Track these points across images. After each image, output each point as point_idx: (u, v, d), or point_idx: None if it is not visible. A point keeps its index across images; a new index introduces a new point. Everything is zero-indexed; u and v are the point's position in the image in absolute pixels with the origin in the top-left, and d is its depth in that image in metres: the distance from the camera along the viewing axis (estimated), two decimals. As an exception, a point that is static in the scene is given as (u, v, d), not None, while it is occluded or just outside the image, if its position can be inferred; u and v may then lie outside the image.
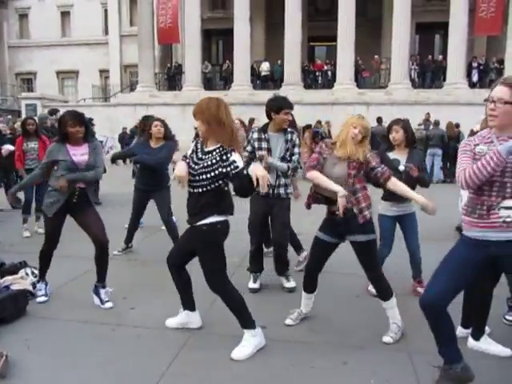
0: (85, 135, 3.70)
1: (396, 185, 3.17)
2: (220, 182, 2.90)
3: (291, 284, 4.17)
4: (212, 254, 2.98)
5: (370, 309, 3.71)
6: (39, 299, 3.84)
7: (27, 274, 4.25)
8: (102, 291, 3.80)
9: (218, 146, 2.89)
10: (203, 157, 2.94)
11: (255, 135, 4.00)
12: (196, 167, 2.93)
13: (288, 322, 3.42)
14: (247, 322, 3.04)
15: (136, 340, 3.17)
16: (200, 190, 2.91)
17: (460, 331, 3.21)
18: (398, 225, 4.03)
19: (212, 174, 2.86)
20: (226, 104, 2.94)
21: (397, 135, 3.87)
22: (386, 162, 3.91)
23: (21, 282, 3.99)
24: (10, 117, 16.43)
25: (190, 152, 3.05)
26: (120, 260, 5.07)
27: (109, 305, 3.72)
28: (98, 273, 3.86)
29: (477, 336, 3.07)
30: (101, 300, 3.75)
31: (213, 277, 3.00)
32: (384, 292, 3.22)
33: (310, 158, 3.26)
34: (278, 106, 3.88)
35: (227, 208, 3.00)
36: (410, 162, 3.82)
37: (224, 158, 2.84)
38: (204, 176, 2.88)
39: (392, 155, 3.92)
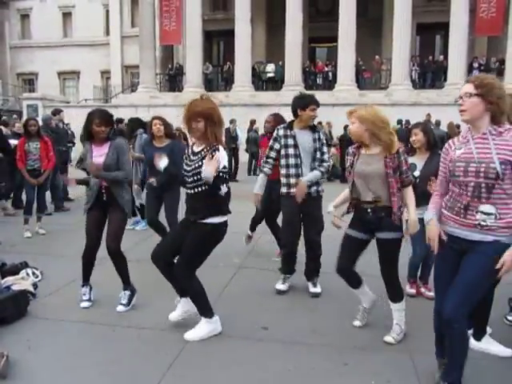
0: (108, 134, 3.70)
1: (407, 193, 3.17)
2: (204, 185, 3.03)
3: (317, 289, 4.06)
4: (204, 249, 3.13)
5: (372, 310, 3.71)
6: (82, 304, 3.75)
7: (28, 275, 4.28)
8: (121, 293, 3.78)
9: (204, 146, 3.06)
10: (192, 158, 3.11)
11: (281, 132, 3.96)
12: (189, 169, 3.07)
13: (356, 323, 3.40)
14: (205, 310, 3.21)
15: (137, 340, 3.17)
16: (197, 189, 3.04)
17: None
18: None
19: (200, 175, 2.99)
20: None
21: (416, 138, 3.84)
22: None
23: (22, 282, 4.00)
24: (15, 116, 16.43)
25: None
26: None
27: (119, 308, 3.69)
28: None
29: (478, 336, 3.07)
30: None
31: (189, 265, 3.13)
32: (395, 294, 3.22)
33: None
34: (304, 102, 3.91)
35: (226, 208, 3.14)
36: (427, 168, 3.78)
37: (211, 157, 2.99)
38: (196, 177, 3.03)
39: (411, 159, 3.90)
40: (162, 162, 3.27)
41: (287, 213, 4.03)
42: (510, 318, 3.46)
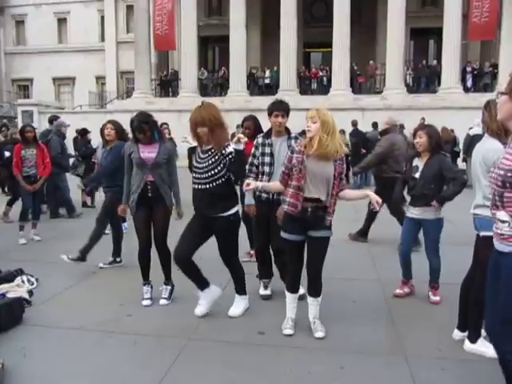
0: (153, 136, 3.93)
1: (345, 195, 3.29)
2: (225, 175, 3.40)
3: (300, 291, 4.13)
4: (234, 238, 3.56)
5: (367, 314, 3.73)
6: (144, 302, 3.90)
7: (23, 282, 4.26)
8: (163, 288, 4.00)
9: (211, 145, 3.39)
10: (202, 156, 3.44)
11: (260, 140, 4.00)
12: (200, 166, 3.42)
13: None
14: (243, 289, 3.74)
15: (133, 347, 3.16)
16: (211, 184, 3.38)
17: (456, 334, 3.23)
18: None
19: (215, 170, 3.36)
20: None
21: (420, 140, 3.89)
22: (407, 170, 4.02)
23: (17, 289, 3.98)
24: (4, 120, 16.37)
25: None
26: (117, 267, 5.06)
27: (162, 302, 3.93)
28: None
29: (473, 339, 3.09)
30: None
31: (233, 255, 3.64)
32: (319, 288, 3.33)
33: None
34: (269, 109, 3.93)
35: (237, 198, 3.61)
36: (427, 170, 3.87)
37: (223, 152, 3.37)
38: (210, 173, 3.37)
39: (415, 162, 3.99)
40: None
41: (257, 217, 4.10)
42: None
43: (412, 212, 4.02)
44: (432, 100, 18.22)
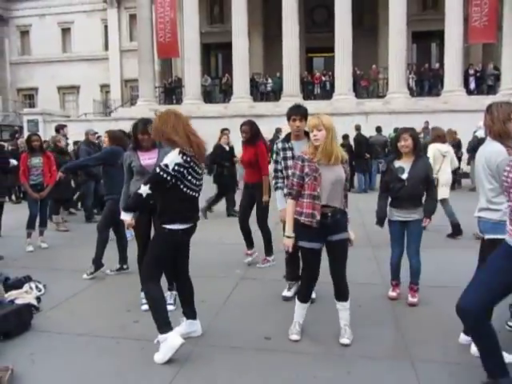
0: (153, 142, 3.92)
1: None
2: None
3: (289, 293, 4.18)
4: None
5: (373, 318, 3.73)
6: (143, 307, 3.89)
7: (31, 288, 4.30)
8: (167, 294, 3.88)
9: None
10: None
11: (280, 145, 4.09)
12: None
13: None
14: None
15: (140, 352, 3.18)
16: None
17: (462, 338, 3.23)
18: None
19: None
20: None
21: (406, 143, 3.90)
22: (389, 172, 4.00)
23: (25, 296, 4.02)
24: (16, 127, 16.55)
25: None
26: (123, 274, 5.09)
27: (169, 308, 3.84)
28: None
29: None
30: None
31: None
32: (346, 292, 3.32)
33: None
34: (287, 114, 4.03)
35: None
36: (413, 170, 3.89)
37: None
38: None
39: (398, 163, 3.98)
40: None
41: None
42: (511, 323, 3.48)
43: (397, 215, 4.01)
44: (435, 103, 18.22)
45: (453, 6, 18.33)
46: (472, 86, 19.95)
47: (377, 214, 4.16)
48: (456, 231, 6.61)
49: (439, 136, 7.07)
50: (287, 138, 4.11)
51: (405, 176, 3.91)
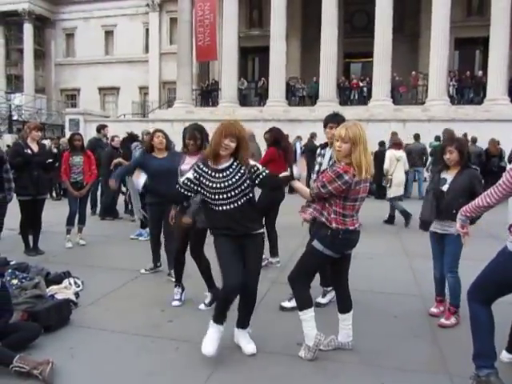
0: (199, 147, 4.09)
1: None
2: (250, 193, 3.15)
3: (323, 300, 4.17)
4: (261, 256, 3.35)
5: (408, 329, 3.65)
6: (173, 303, 4.13)
7: (70, 284, 4.43)
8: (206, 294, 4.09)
9: (231, 161, 3.12)
10: (218, 174, 3.09)
11: (319, 150, 4.24)
12: (222, 185, 3.06)
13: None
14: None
15: (175, 352, 3.23)
16: (239, 202, 3.10)
17: (505, 356, 3.10)
18: None
19: (242, 187, 3.07)
20: None
21: (451, 156, 3.76)
22: (433, 182, 3.91)
23: (65, 291, 4.15)
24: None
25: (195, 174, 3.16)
26: (159, 273, 5.17)
27: (201, 307, 4.08)
28: None
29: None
30: None
31: (258, 277, 3.23)
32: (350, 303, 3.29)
33: None
34: (325, 121, 4.04)
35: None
36: (455, 183, 3.75)
37: (244, 168, 3.11)
38: (237, 190, 3.07)
39: (443, 174, 3.87)
40: (141, 179, 3.41)
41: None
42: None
43: (434, 226, 3.89)
44: (476, 111, 17.68)
45: (499, 10, 17.78)
46: (517, 94, 19.25)
47: (420, 217, 4.06)
48: (406, 219, 7.95)
49: (395, 143, 8.92)
50: (325, 144, 4.16)
51: (445, 188, 3.79)
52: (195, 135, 4.07)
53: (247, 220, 3.11)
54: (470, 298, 2.83)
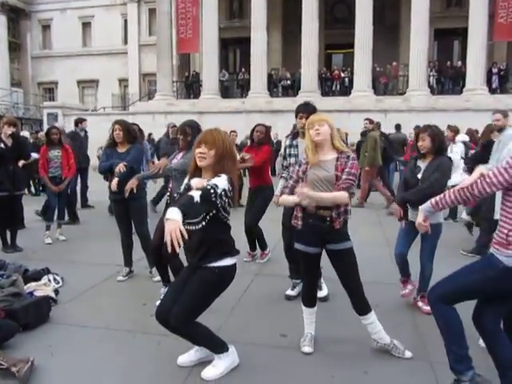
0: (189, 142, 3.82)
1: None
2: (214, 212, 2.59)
3: (323, 293, 4.09)
4: (210, 294, 2.77)
5: (391, 318, 3.67)
6: (157, 302, 3.92)
7: (50, 281, 4.35)
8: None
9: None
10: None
11: (287, 142, 4.12)
12: None
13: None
14: (216, 348, 2.84)
15: (157, 347, 3.19)
16: (198, 226, 2.61)
17: (483, 342, 3.14)
18: None
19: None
20: None
21: (423, 144, 3.75)
22: (409, 170, 3.92)
23: (44, 288, 4.06)
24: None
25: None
26: (139, 268, 5.12)
27: None
28: None
29: None
30: None
31: (191, 315, 2.69)
32: (364, 305, 3.12)
33: None
34: (295, 111, 4.01)
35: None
36: (427, 171, 3.73)
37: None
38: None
39: (419, 162, 3.87)
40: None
41: (284, 215, 4.16)
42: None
43: (412, 216, 3.80)
44: (456, 101, 17.90)
45: (478, 2, 17.97)
46: (495, 84, 19.57)
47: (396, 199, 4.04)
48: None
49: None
50: (295, 136, 4.09)
51: (419, 176, 3.79)
52: (186, 130, 3.85)
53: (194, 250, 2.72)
54: (435, 300, 2.62)
